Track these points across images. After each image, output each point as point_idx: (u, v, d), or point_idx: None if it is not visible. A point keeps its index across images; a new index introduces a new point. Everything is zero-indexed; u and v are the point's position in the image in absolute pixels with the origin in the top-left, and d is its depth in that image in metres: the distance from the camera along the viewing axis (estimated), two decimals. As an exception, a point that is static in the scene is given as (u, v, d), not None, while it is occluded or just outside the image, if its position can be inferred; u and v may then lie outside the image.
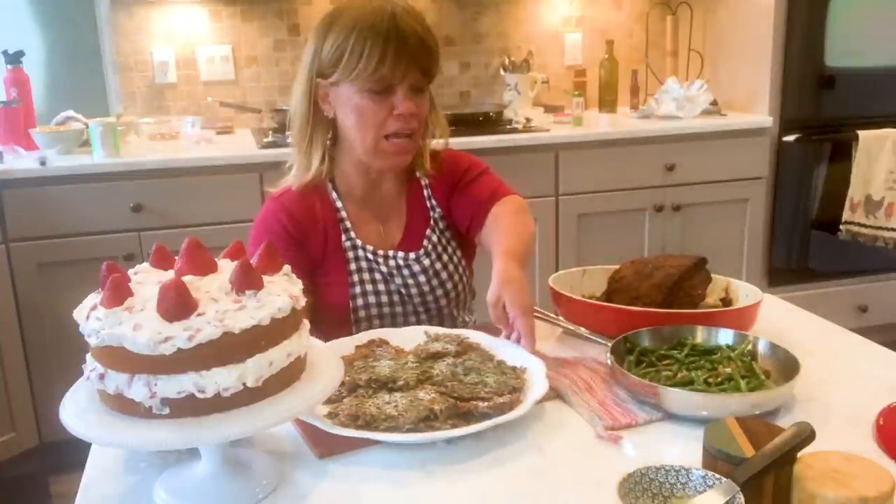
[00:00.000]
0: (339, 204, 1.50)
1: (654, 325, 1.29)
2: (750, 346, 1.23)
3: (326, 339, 1.24)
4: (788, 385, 1.11)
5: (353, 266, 1.49)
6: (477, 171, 1.59)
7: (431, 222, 1.56)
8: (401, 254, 1.51)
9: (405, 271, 1.51)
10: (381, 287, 1.50)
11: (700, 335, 1.28)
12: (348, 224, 1.50)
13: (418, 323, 1.51)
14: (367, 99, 1.39)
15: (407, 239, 1.54)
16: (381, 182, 1.53)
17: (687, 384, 1.14)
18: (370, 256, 1.49)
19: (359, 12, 1.37)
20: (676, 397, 1.09)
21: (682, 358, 1.22)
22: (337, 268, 1.48)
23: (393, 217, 1.55)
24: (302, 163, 1.50)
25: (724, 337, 1.26)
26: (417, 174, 1.57)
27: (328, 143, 1.48)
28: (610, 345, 1.23)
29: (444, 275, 1.53)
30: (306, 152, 1.49)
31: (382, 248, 1.51)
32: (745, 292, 1.45)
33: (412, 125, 1.42)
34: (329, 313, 1.46)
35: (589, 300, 1.43)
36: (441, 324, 1.52)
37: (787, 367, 1.16)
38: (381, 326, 1.46)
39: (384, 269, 1.50)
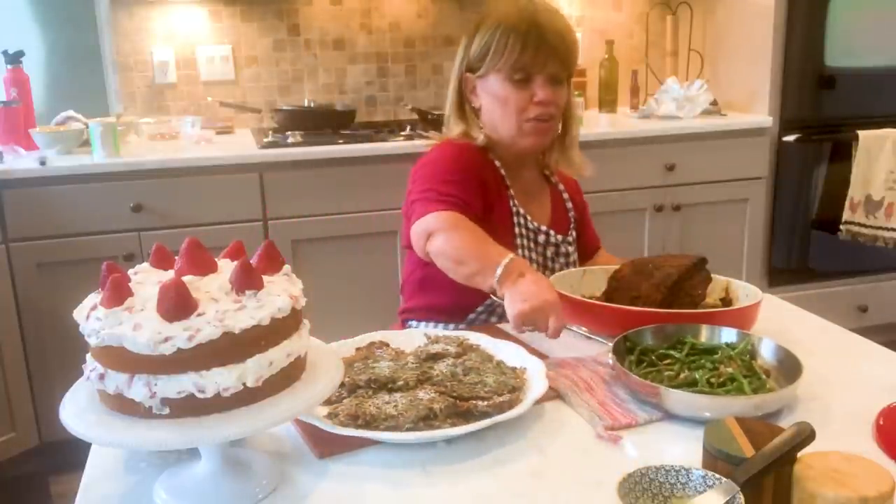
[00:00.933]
0: (502, 171, 1.63)
1: (653, 323, 1.29)
2: (750, 346, 1.23)
3: (458, 300, 1.53)
4: (792, 387, 1.11)
5: (517, 230, 1.61)
6: (589, 216, 1.83)
7: (572, 219, 1.73)
8: (552, 231, 1.66)
9: (552, 249, 1.65)
10: (535, 258, 1.63)
11: (701, 334, 1.28)
12: (512, 192, 1.62)
13: None
14: (510, 87, 1.55)
15: (554, 222, 1.69)
16: (524, 165, 1.67)
17: (690, 384, 1.14)
18: (530, 225, 1.63)
19: (504, 12, 1.57)
20: (680, 399, 1.09)
21: (683, 357, 1.21)
22: (503, 228, 1.58)
23: (541, 200, 1.70)
24: (466, 136, 1.63)
25: (726, 335, 1.26)
26: (551, 178, 1.74)
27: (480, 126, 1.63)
28: (611, 344, 1.23)
29: (574, 266, 1.68)
30: (465, 132, 1.63)
31: (536, 222, 1.64)
32: (745, 292, 1.45)
33: (550, 111, 1.57)
34: None
35: (589, 300, 1.43)
36: None
37: (788, 367, 1.16)
38: None
39: (541, 238, 1.64)
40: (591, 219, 1.83)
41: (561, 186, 1.74)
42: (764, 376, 1.16)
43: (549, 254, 1.65)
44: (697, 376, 1.15)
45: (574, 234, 1.72)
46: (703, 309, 1.43)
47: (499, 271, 1.34)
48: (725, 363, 1.18)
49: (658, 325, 1.29)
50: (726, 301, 1.49)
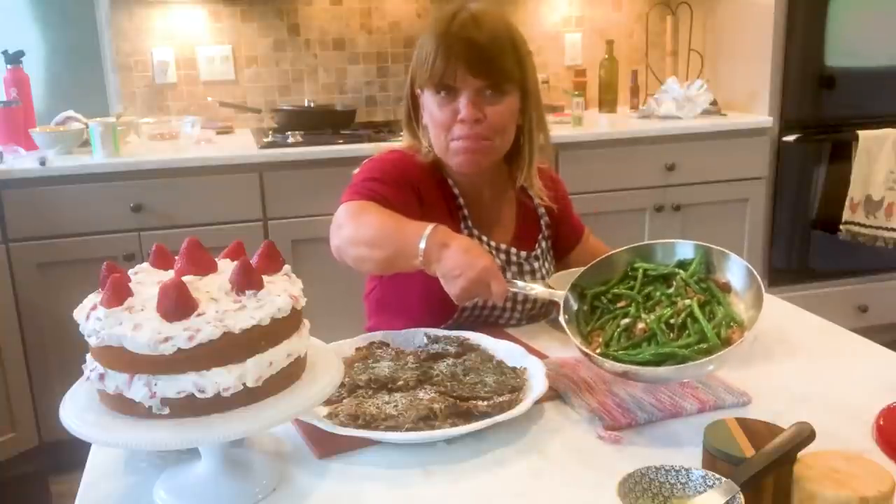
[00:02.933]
0: (456, 191, 1.51)
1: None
2: (703, 263, 1.18)
3: (418, 323, 1.33)
4: (753, 315, 1.08)
5: None
6: (570, 204, 1.70)
7: (543, 228, 1.60)
8: (513, 249, 1.52)
9: (514, 269, 1.52)
10: None
11: (639, 257, 1.22)
12: (466, 212, 1.51)
13: (514, 321, 1.51)
14: (435, 102, 1.43)
15: (517, 239, 1.56)
16: (483, 184, 1.53)
17: (651, 339, 1.11)
18: (487, 247, 1.49)
19: (435, 20, 1.44)
20: (648, 376, 1.08)
21: (637, 296, 1.17)
22: None
23: (502, 218, 1.56)
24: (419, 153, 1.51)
25: (680, 251, 1.21)
26: (529, 191, 1.58)
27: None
28: (561, 300, 1.19)
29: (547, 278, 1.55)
30: (418, 150, 1.51)
31: (496, 241, 1.52)
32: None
33: (476, 131, 1.41)
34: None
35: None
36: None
37: (744, 280, 1.13)
38: (483, 317, 1.47)
39: (501, 257, 1.50)
40: (574, 210, 1.72)
41: (531, 192, 1.59)
42: (722, 295, 1.13)
43: (509, 275, 1.49)
44: (654, 325, 1.11)
45: (544, 245, 1.59)
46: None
47: (421, 246, 1.21)
48: (682, 295, 1.14)
49: (605, 258, 1.24)
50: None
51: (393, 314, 1.50)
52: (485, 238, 1.51)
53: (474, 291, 1.21)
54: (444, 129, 1.43)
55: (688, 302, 1.13)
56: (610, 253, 1.28)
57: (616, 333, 1.15)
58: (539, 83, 1.53)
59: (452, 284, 1.21)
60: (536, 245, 1.58)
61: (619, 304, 1.19)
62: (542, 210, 1.61)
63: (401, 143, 1.57)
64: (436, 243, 1.22)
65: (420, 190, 1.46)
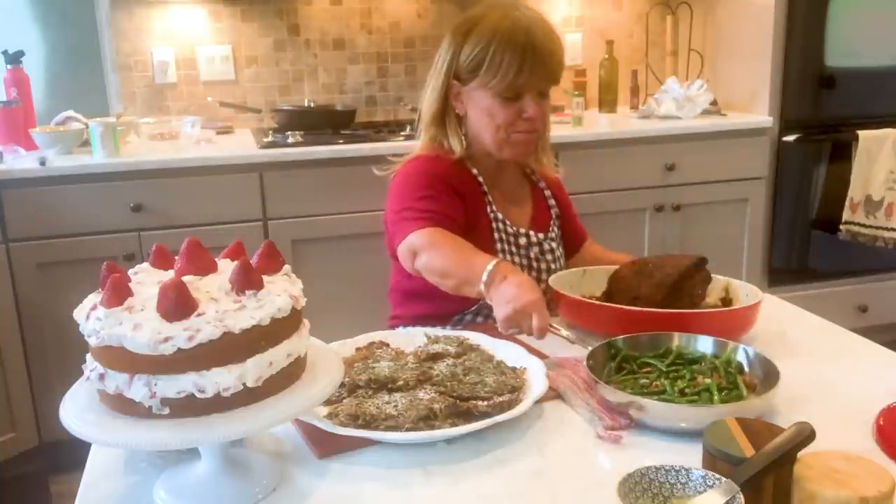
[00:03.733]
0: (480, 179, 1.62)
1: (653, 323, 1.28)
2: (734, 357, 1.19)
3: (447, 307, 1.56)
4: (765, 397, 1.07)
5: (496, 236, 1.61)
6: (573, 208, 1.83)
7: (554, 216, 1.73)
8: (532, 232, 1.66)
9: (535, 249, 1.65)
10: (518, 261, 1.62)
11: (680, 342, 1.24)
12: (490, 198, 1.62)
13: None
14: (498, 103, 1.54)
15: (535, 221, 1.69)
16: (505, 171, 1.68)
17: (660, 394, 1.11)
18: (510, 230, 1.63)
19: (497, 24, 1.52)
20: (653, 407, 1.06)
21: (664, 366, 1.18)
22: (483, 237, 1.58)
23: (521, 202, 1.71)
24: (441, 147, 1.62)
25: (704, 345, 1.22)
26: (533, 177, 1.74)
27: (462, 134, 1.62)
28: (589, 349, 1.21)
29: (561, 262, 1.70)
30: (441, 142, 1.62)
31: (516, 225, 1.64)
32: (746, 292, 1.45)
33: (537, 126, 1.58)
34: None
35: (589, 300, 1.43)
36: None
37: (769, 378, 1.12)
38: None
39: (522, 241, 1.64)
40: (576, 213, 1.83)
41: (542, 184, 1.75)
42: (745, 389, 1.12)
43: (532, 254, 1.64)
44: (667, 385, 1.12)
45: (556, 230, 1.72)
46: (703, 309, 1.43)
47: (484, 278, 1.35)
48: (706, 374, 1.15)
49: (635, 335, 1.25)
50: (726, 301, 1.49)
51: (421, 303, 1.61)
52: (507, 222, 1.63)
53: (517, 320, 1.30)
54: (508, 125, 1.55)
55: (708, 381, 1.13)
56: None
57: (632, 390, 1.14)
58: None
59: (500, 310, 1.31)
60: (550, 228, 1.71)
61: (644, 370, 1.19)
62: (552, 201, 1.75)
63: (419, 143, 1.66)
64: (496, 275, 1.35)
65: (456, 187, 1.58)
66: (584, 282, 1.55)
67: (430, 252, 1.46)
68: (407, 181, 1.58)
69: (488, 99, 1.54)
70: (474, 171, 1.62)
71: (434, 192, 1.54)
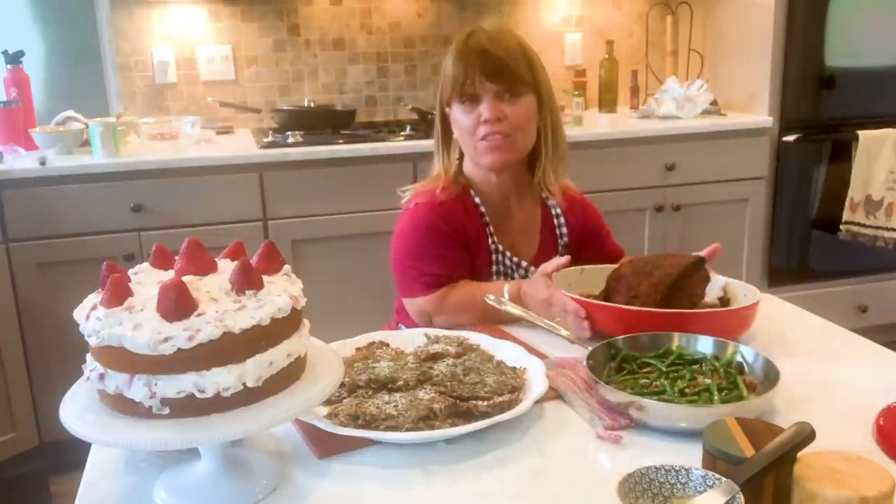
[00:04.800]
0: (482, 209, 1.66)
1: (652, 323, 1.28)
2: (735, 357, 1.19)
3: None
4: (764, 397, 1.07)
5: (494, 268, 1.65)
6: (606, 229, 1.81)
7: (560, 248, 1.72)
8: (533, 267, 1.66)
9: None
10: None
11: (680, 342, 1.24)
12: (491, 229, 1.66)
13: None
14: (461, 111, 1.60)
15: (542, 251, 1.70)
16: (512, 197, 1.68)
17: (661, 394, 1.11)
18: (508, 262, 1.66)
19: (455, 41, 1.62)
20: (653, 407, 1.06)
21: (663, 367, 1.18)
22: (482, 269, 1.64)
23: (529, 231, 1.71)
24: (447, 174, 1.67)
25: (704, 345, 1.22)
26: (549, 202, 1.72)
27: (458, 159, 1.68)
28: (589, 349, 1.21)
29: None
30: (447, 169, 1.68)
31: (518, 256, 1.67)
32: (744, 292, 1.45)
33: (498, 128, 1.57)
34: None
35: (587, 299, 1.43)
36: None
37: (769, 378, 1.12)
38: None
39: (520, 273, 1.66)
40: (610, 231, 1.81)
41: (557, 210, 1.72)
42: (745, 390, 1.11)
43: None
44: (667, 386, 1.12)
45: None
46: (702, 309, 1.43)
47: (506, 297, 1.48)
48: (706, 375, 1.15)
49: (647, 333, 1.25)
50: (725, 301, 1.49)
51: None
52: (507, 253, 1.66)
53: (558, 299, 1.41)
54: (471, 133, 1.59)
55: (707, 381, 1.13)
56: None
57: (632, 390, 1.14)
58: (553, 90, 1.67)
59: (538, 296, 1.45)
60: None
61: (644, 371, 1.19)
62: (562, 230, 1.73)
63: (434, 168, 1.70)
64: (515, 290, 1.50)
65: (459, 233, 1.62)
66: (582, 280, 1.55)
67: (445, 315, 1.56)
68: (409, 240, 1.62)
69: (457, 110, 1.60)
70: (477, 200, 1.65)
71: (439, 252, 1.59)
